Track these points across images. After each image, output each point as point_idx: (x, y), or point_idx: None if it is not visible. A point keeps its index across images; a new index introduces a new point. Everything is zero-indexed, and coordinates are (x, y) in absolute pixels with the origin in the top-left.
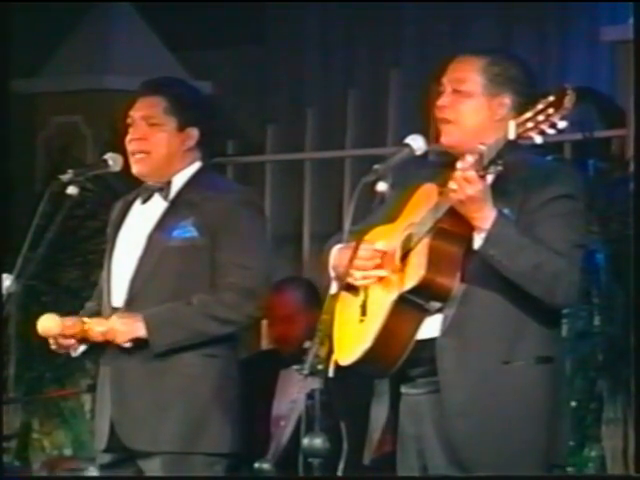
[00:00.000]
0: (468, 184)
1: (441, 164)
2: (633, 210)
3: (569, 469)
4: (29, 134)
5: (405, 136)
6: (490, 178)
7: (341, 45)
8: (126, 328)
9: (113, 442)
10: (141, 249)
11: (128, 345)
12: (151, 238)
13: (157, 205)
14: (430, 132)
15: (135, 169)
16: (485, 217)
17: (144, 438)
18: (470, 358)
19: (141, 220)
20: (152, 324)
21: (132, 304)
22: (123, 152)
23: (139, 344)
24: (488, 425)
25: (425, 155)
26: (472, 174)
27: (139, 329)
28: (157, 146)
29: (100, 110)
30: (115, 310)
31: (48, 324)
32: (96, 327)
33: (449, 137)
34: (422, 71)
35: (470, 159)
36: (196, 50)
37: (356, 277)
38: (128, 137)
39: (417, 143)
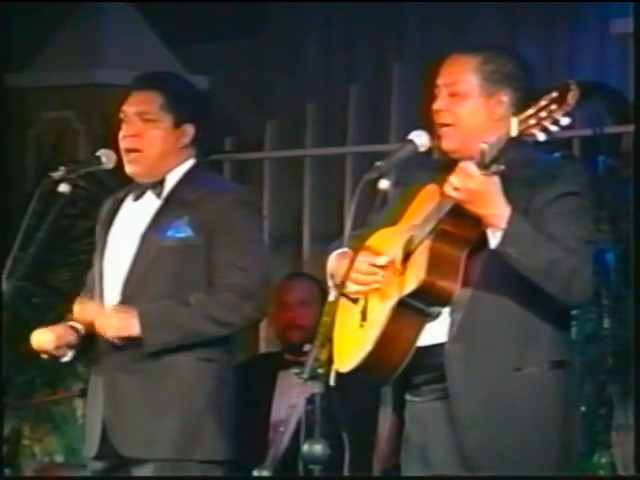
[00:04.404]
0: (469, 178)
1: (445, 164)
2: (633, 211)
3: None
4: (19, 130)
5: (408, 132)
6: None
7: (342, 39)
8: (120, 323)
9: (105, 449)
10: (135, 248)
11: (117, 342)
12: (145, 237)
13: (150, 203)
14: (434, 128)
15: (129, 169)
16: (500, 215)
17: (138, 445)
18: (480, 366)
19: (133, 218)
20: (147, 322)
21: (126, 305)
22: (117, 148)
23: (131, 344)
24: (500, 435)
25: (429, 153)
26: (473, 168)
27: (133, 327)
28: (152, 144)
29: (93, 105)
30: None
31: (43, 339)
32: (86, 314)
33: (449, 141)
34: (425, 66)
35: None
36: (192, 44)
37: (350, 290)
38: (121, 133)
39: (421, 139)
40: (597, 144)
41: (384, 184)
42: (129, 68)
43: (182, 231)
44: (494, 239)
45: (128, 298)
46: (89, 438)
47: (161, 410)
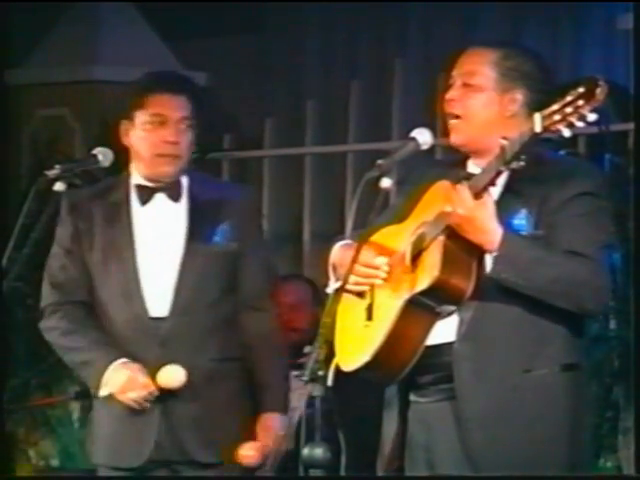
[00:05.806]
0: (460, 203)
1: (452, 163)
2: (634, 210)
3: None
4: (14, 128)
5: (410, 129)
6: (505, 177)
7: (343, 35)
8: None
9: (157, 455)
10: (177, 256)
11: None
12: (189, 245)
13: (169, 207)
14: (437, 125)
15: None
16: (491, 240)
17: (207, 449)
18: (489, 366)
19: (154, 223)
20: None
21: (184, 313)
22: (113, 146)
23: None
24: (507, 438)
25: (432, 151)
26: (466, 193)
27: None
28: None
29: (88, 102)
30: (156, 320)
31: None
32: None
33: (458, 135)
34: (428, 62)
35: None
36: (190, 39)
37: (350, 282)
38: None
39: (423, 137)
40: (603, 142)
41: (386, 183)
42: (125, 64)
43: (224, 237)
44: (490, 263)
45: (185, 306)
46: (130, 446)
47: (221, 412)
